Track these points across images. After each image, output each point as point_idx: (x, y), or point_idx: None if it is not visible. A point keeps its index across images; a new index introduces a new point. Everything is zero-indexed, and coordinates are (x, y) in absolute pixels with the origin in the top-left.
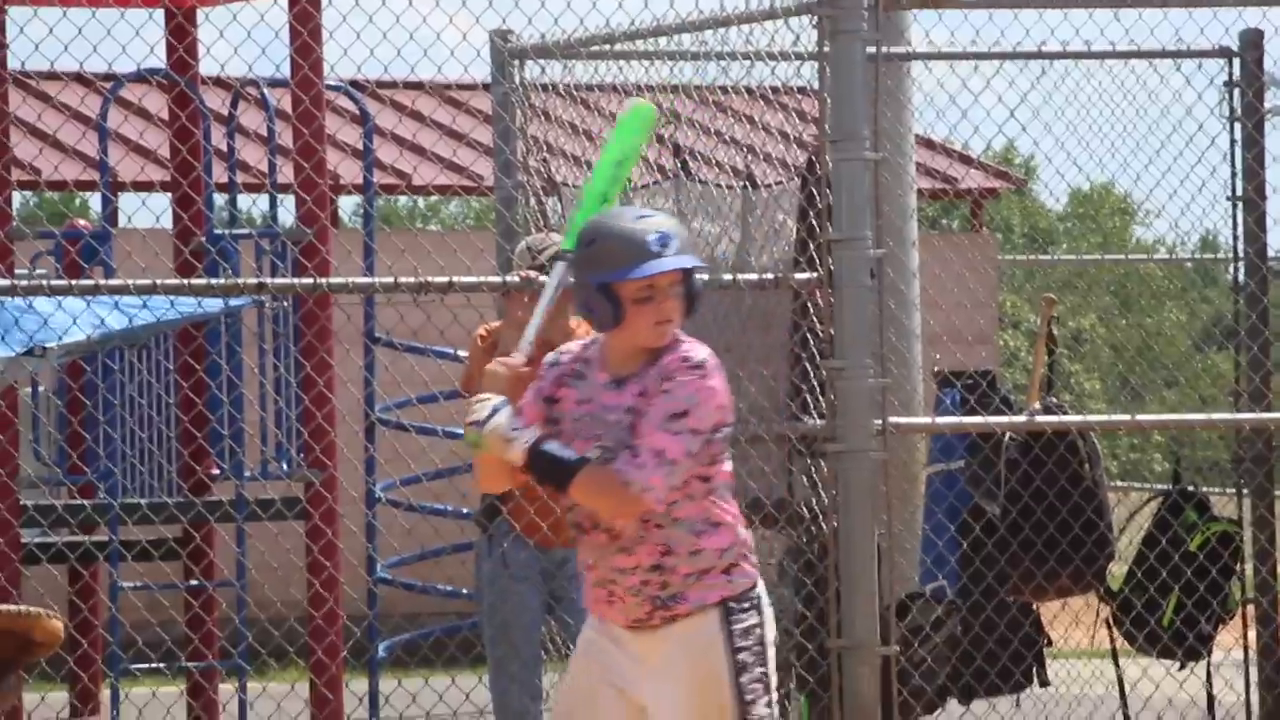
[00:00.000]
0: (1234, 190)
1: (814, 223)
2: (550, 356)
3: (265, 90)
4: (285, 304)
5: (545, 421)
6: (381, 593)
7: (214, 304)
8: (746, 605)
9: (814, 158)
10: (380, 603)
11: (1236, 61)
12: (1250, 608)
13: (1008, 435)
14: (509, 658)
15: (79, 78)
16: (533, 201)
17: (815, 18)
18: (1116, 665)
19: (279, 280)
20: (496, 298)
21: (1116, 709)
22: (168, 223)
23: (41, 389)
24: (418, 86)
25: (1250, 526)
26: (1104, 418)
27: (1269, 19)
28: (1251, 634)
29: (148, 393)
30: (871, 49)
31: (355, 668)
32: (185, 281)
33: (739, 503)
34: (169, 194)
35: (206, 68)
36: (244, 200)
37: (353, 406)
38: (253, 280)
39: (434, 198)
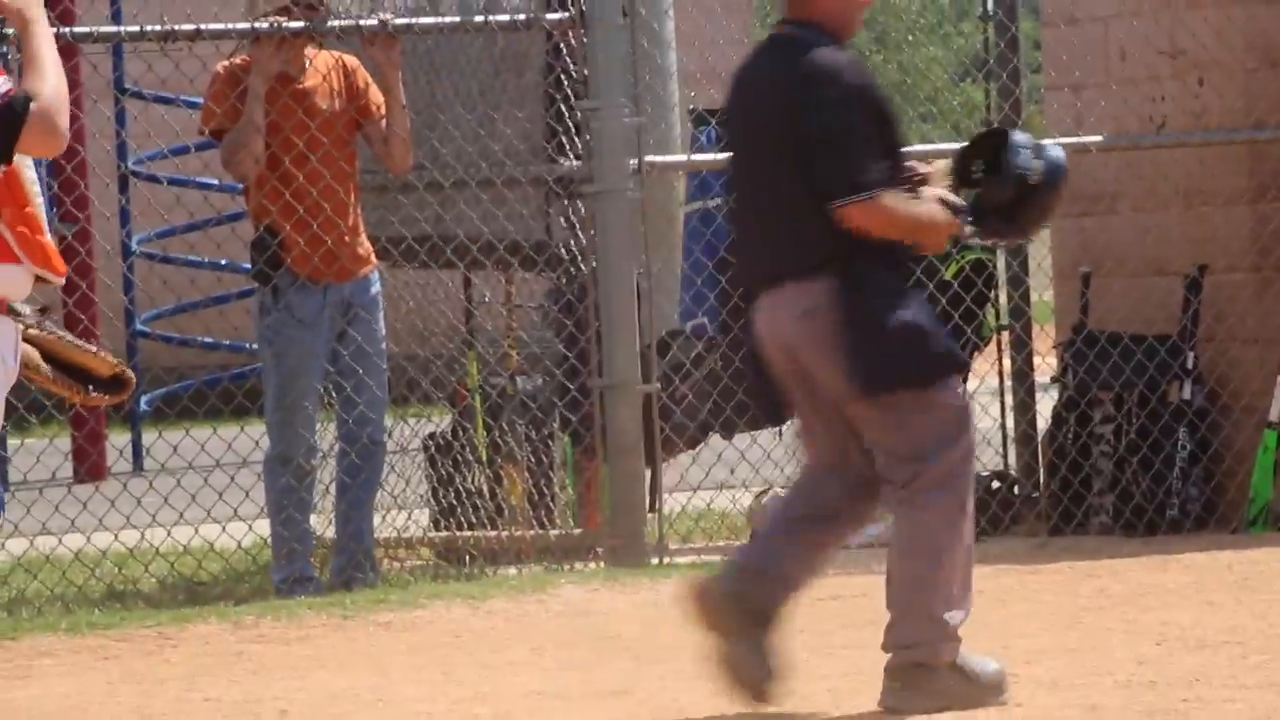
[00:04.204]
0: None
1: None
2: None
3: None
4: None
5: None
6: (140, 346)
7: None
8: None
9: None
10: (139, 356)
11: None
12: (1004, 335)
13: None
14: (295, 407)
15: None
16: None
17: None
18: None
19: None
20: (245, 45)
21: None
22: None
23: None
24: None
25: (1003, 254)
26: None
27: None
28: (1006, 360)
29: None
30: None
31: (116, 421)
32: None
33: (498, 245)
34: None
35: None
36: None
37: (103, 159)
38: None
39: None
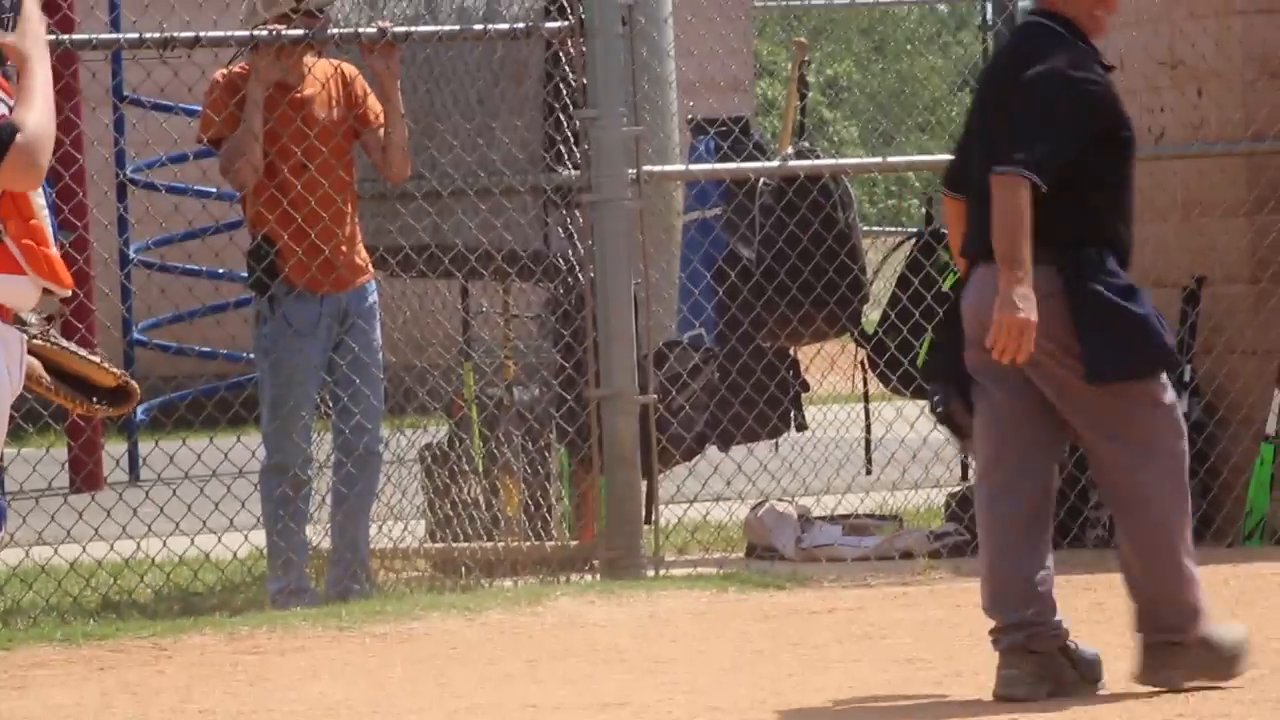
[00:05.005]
0: None
1: None
2: None
3: None
4: None
5: None
6: (137, 355)
7: None
8: None
9: None
10: (136, 365)
11: None
12: None
13: (761, 181)
14: (291, 416)
15: None
16: None
17: None
18: (866, 408)
19: None
20: (244, 53)
21: (874, 450)
22: None
23: None
24: None
25: None
26: (855, 160)
27: None
28: None
29: None
30: None
31: (112, 430)
32: None
33: (496, 255)
34: None
35: None
36: None
37: (101, 166)
38: None
39: None
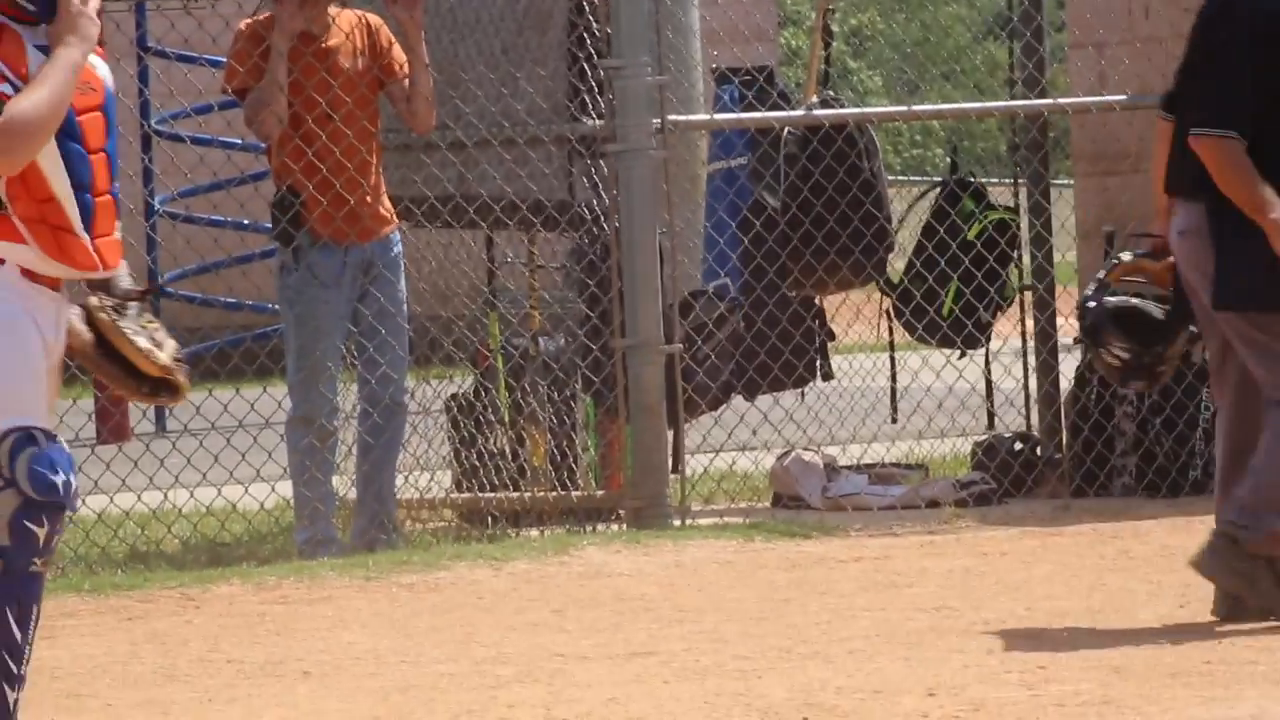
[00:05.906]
0: None
1: None
2: None
3: None
4: None
5: None
6: (163, 306)
7: None
8: None
9: None
10: (162, 316)
11: None
12: (1027, 295)
13: (786, 130)
14: (317, 367)
15: None
16: None
17: None
18: (892, 357)
19: None
20: (268, 3)
21: (900, 399)
22: None
23: None
24: None
25: (1026, 214)
26: (880, 109)
27: None
28: (1029, 320)
29: None
30: None
31: None
32: None
33: (520, 205)
34: None
35: None
36: None
37: (126, 117)
38: None
39: None
